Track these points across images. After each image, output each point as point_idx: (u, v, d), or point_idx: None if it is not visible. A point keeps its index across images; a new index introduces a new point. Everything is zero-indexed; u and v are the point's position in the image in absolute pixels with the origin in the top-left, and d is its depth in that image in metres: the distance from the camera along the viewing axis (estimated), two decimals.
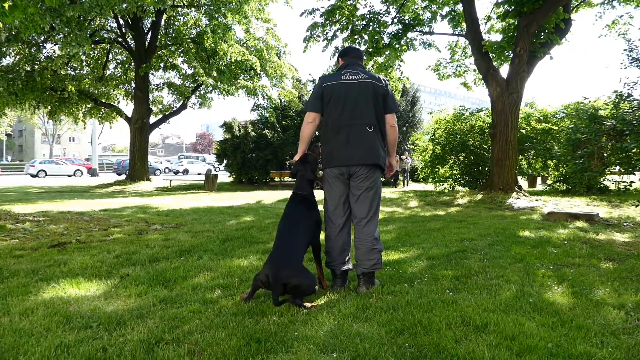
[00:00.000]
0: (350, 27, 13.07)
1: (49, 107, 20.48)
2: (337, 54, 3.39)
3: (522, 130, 13.31)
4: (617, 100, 12.12)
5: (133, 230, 6.14)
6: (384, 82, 3.42)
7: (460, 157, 13.80)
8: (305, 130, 3.41)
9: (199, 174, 38.36)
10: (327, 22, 13.01)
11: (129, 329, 2.53)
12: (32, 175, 34.13)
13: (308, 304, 2.93)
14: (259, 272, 3.09)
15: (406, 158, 20.28)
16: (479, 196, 10.58)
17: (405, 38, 13.21)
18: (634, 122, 11.14)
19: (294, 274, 2.94)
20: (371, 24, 12.98)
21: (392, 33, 13.17)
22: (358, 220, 3.35)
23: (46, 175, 34.77)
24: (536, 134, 13.95)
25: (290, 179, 3.46)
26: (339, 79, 3.37)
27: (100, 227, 6.35)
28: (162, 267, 3.98)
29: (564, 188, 12.59)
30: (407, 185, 20.27)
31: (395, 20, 13.19)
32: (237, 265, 4.05)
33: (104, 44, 20.47)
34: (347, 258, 3.42)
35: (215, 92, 21.55)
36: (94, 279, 3.57)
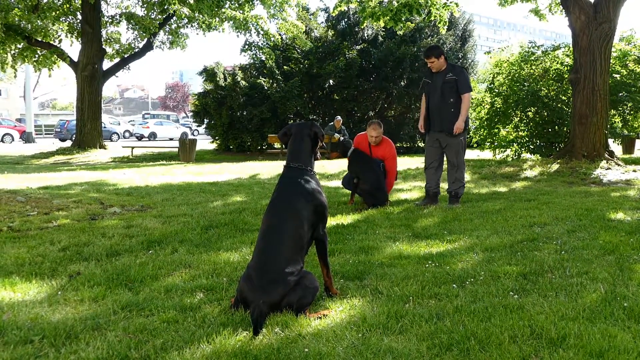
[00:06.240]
0: None
1: None
2: None
3: (615, 75, 13.06)
4: None
5: (84, 214, 6.21)
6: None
7: (529, 114, 13.65)
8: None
9: (171, 139, 38.46)
10: None
11: (83, 344, 2.58)
12: None
13: (314, 314, 2.94)
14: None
15: None
16: (555, 166, 10.53)
17: None
18: None
19: (280, 296, 2.90)
20: None
21: None
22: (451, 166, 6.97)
23: None
24: (635, 80, 13.68)
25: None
26: None
27: (39, 210, 6.43)
28: (124, 263, 4.03)
29: None
30: None
31: None
32: (224, 261, 4.09)
33: None
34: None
35: (191, 26, 21.38)
36: (34, 279, 3.62)
